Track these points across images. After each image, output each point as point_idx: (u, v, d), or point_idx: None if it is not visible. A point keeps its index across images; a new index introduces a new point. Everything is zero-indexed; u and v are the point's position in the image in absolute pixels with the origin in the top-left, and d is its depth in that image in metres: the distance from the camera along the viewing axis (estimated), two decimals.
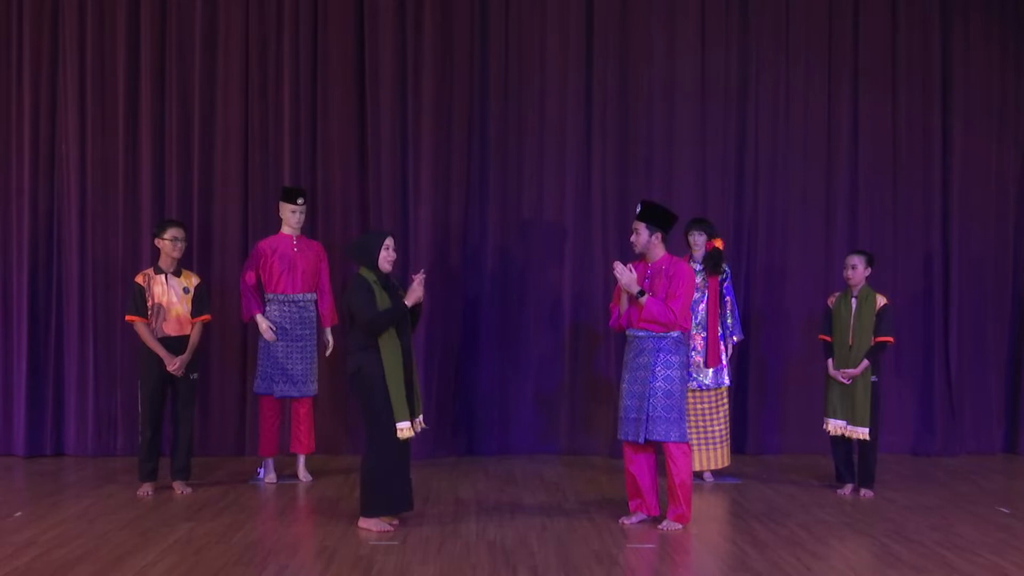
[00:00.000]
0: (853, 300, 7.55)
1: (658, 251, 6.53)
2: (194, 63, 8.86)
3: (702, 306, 7.76)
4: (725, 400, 7.90)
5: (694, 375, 7.80)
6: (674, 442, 6.41)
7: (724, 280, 7.83)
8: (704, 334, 7.76)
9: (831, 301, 7.70)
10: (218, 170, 8.90)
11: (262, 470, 7.91)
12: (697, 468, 7.89)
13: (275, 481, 7.80)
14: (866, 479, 7.52)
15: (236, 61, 8.90)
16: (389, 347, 6.33)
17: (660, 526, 6.49)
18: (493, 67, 9.04)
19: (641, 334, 6.47)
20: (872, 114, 9.18)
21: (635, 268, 6.58)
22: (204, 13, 8.86)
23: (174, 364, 7.32)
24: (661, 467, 6.75)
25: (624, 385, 6.56)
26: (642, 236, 6.50)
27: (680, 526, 6.49)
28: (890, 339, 7.54)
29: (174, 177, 8.85)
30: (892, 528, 6.54)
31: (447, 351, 8.92)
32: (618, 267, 6.40)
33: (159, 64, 8.88)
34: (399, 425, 6.31)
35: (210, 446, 8.82)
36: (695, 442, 7.86)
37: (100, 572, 5.51)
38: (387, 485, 6.36)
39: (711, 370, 7.78)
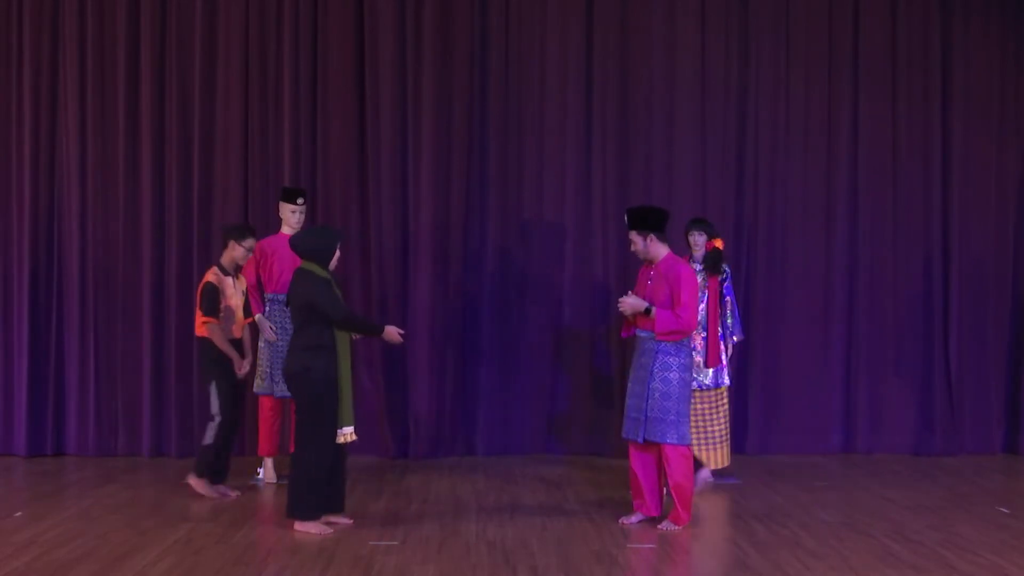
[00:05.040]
0: None
1: (660, 251, 6.53)
2: (194, 63, 8.86)
3: (702, 306, 7.75)
4: (725, 400, 7.89)
5: (694, 375, 7.79)
6: (671, 444, 6.41)
7: (724, 280, 7.82)
8: (704, 334, 7.75)
9: None
10: (218, 170, 8.90)
11: (261, 470, 7.91)
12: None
13: (275, 481, 7.80)
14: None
15: (236, 61, 8.91)
16: (343, 350, 6.32)
17: (659, 526, 6.50)
18: (493, 67, 9.04)
19: (644, 334, 6.49)
20: (872, 114, 9.18)
21: (641, 272, 6.65)
22: (204, 13, 8.86)
23: (244, 368, 7.36)
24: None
25: (628, 384, 6.61)
26: (637, 243, 6.54)
27: (676, 527, 6.47)
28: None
29: (174, 177, 8.85)
30: (892, 528, 6.54)
31: (447, 351, 8.92)
32: (622, 301, 6.46)
33: (159, 64, 8.89)
34: (343, 430, 6.31)
35: None
36: (695, 442, 7.85)
37: (100, 572, 5.52)
38: (320, 488, 6.34)
39: (711, 370, 7.77)
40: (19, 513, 6.81)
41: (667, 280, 6.44)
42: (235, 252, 7.37)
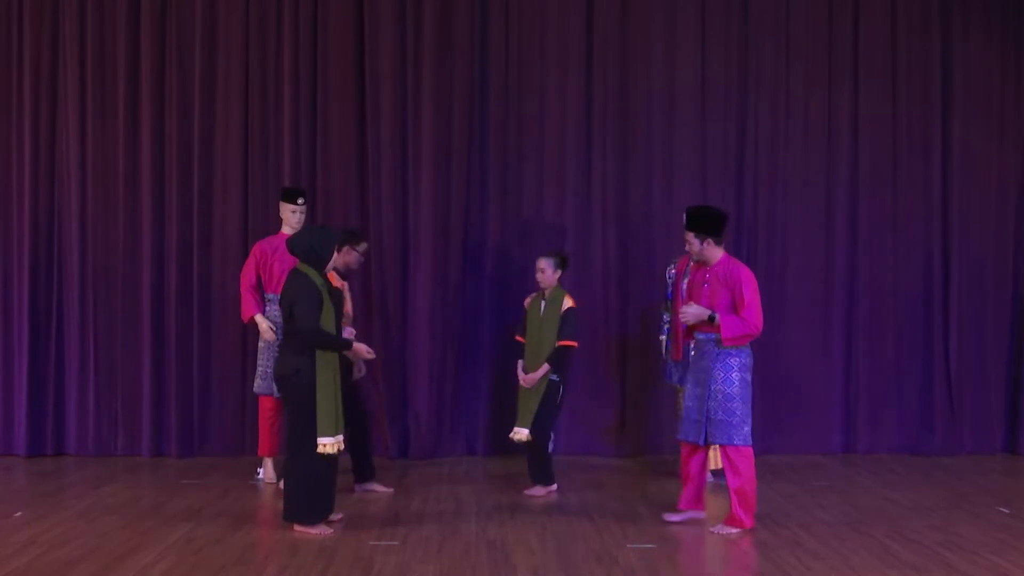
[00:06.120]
0: (543, 302, 7.53)
1: (715, 254, 6.51)
2: (194, 63, 8.87)
3: None
4: None
5: None
6: (735, 446, 6.36)
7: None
8: None
9: (527, 302, 7.68)
10: (218, 170, 8.91)
11: (261, 470, 7.92)
12: None
13: (274, 481, 7.79)
14: (540, 477, 7.48)
15: (236, 61, 8.91)
16: (324, 358, 6.24)
17: (713, 528, 6.45)
18: (493, 67, 9.04)
19: (702, 337, 6.48)
20: (872, 114, 9.18)
21: (694, 273, 6.64)
22: (204, 13, 8.86)
23: (363, 371, 7.46)
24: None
25: (687, 387, 6.58)
26: (694, 245, 6.52)
27: (734, 531, 6.39)
28: (572, 343, 7.44)
29: (174, 177, 8.85)
30: (892, 528, 6.54)
31: (447, 351, 8.92)
32: (684, 311, 6.42)
33: (159, 64, 8.89)
34: (322, 440, 6.20)
35: (210, 446, 8.83)
36: None
37: (100, 572, 5.52)
38: (318, 493, 6.30)
39: None
40: (19, 513, 6.81)
41: (726, 283, 6.40)
42: (349, 257, 7.39)
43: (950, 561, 5.81)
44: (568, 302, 7.50)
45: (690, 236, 6.52)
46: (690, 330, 6.61)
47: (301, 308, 6.21)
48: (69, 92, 8.88)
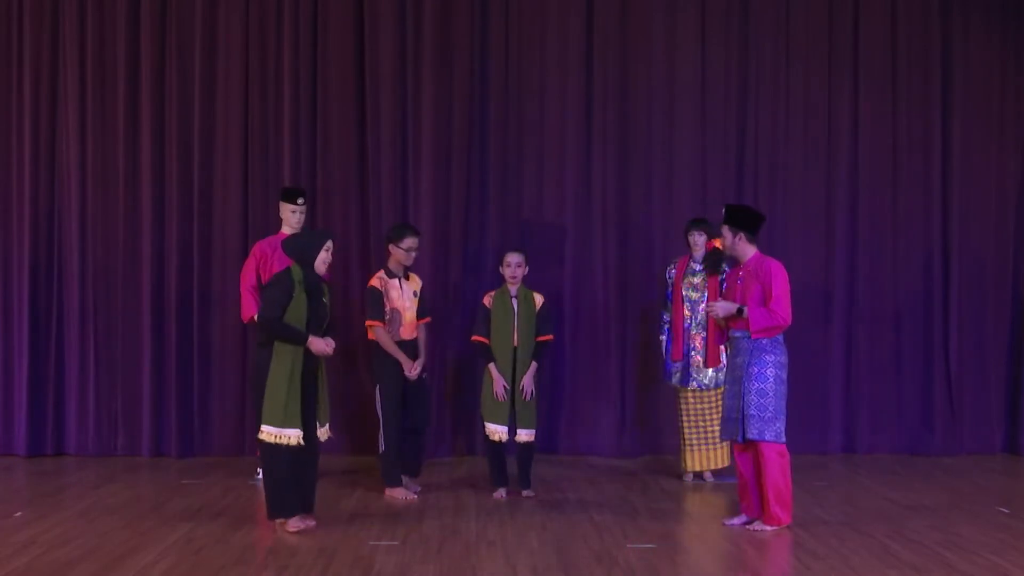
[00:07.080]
0: (513, 300, 7.47)
1: (747, 251, 6.60)
2: (194, 63, 8.87)
3: (702, 306, 7.76)
4: None
5: (694, 375, 7.82)
6: (768, 441, 6.41)
7: (724, 280, 7.83)
8: (704, 334, 7.76)
9: (488, 300, 7.57)
10: (218, 170, 8.91)
11: (261, 470, 7.90)
12: (697, 468, 7.91)
13: None
14: (527, 480, 7.48)
15: (236, 61, 8.91)
16: (281, 348, 6.22)
17: (751, 527, 6.47)
18: (493, 67, 9.04)
19: (738, 334, 6.55)
20: (872, 114, 9.18)
21: (730, 274, 6.77)
22: (204, 13, 8.86)
23: (415, 370, 7.35)
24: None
25: (725, 386, 6.68)
26: (726, 239, 6.64)
27: (770, 528, 6.42)
28: (550, 337, 7.51)
29: (174, 177, 8.85)
30: (892, 528, 6.54)
31: (447, 351, 8.93)
32: (713, 306, 6.62)
33: (159, 64, 8.89)
34: (265, 427, 6.20)
35: (210, 446, 8.83)
36: (695, 442, 7.87)
37: (100, 572, 5.52)
38: (287, 486, 6.30)
39: (711, 370, 7.79)
40: (19, 513, 6.81)
41: (757, 277, 6.50)
42: (396, 254, 7.38)
43: (950, 561, 5.81)
44: (540, 298, 7.52)
45: (724, 229, 6.64)
46: (725, 330, 6.68)
47: (263, 298, 6.30)
48: (69, 92, 8.88)
